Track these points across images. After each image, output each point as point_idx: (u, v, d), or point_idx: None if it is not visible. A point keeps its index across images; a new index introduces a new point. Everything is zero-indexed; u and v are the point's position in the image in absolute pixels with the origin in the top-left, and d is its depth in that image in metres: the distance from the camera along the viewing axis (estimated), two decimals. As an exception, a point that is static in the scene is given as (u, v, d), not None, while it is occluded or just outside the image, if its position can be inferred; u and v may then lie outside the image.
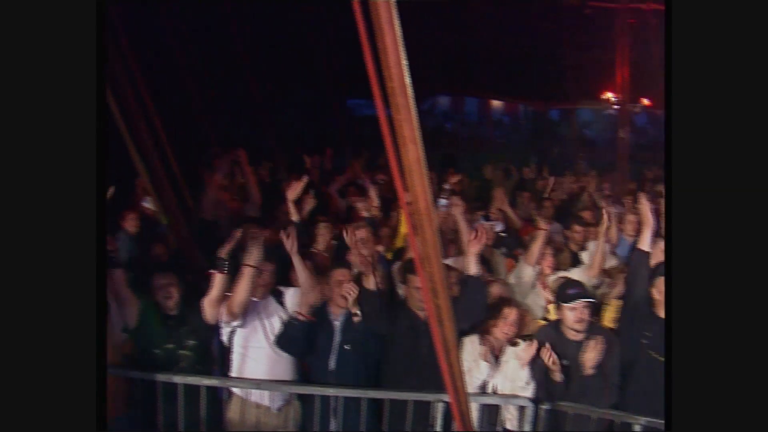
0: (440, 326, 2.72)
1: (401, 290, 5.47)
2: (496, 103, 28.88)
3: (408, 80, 2.57)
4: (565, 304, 4.72)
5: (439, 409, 4.62)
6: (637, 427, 4.53)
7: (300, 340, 4.85)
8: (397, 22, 2.52)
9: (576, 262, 6.11)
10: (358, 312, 4.92)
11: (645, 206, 4.92)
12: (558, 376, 4.58)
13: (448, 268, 5.30)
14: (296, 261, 5.03)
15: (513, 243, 7.22)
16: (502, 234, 7.26)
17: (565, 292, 4.76)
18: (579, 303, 4.66)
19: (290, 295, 5.08)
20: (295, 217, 6.46)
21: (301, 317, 4.78)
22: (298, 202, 6.69)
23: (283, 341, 4.88)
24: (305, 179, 6.77)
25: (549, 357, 4.54)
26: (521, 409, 4.73)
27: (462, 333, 4.87)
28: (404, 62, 2.51)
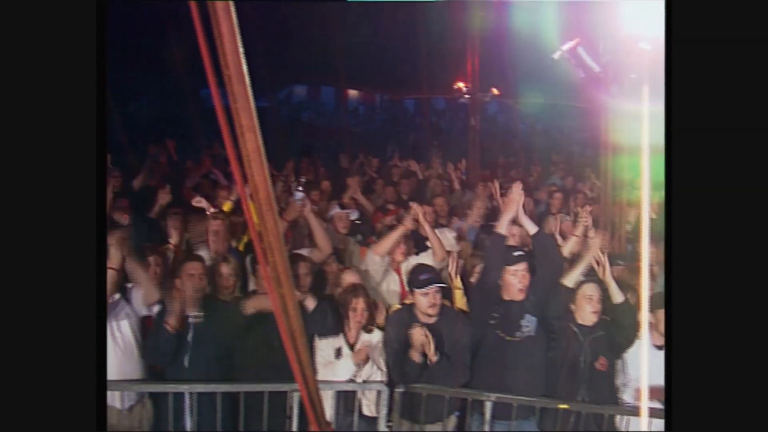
0: (285, 315, 2.71)
1: (253, 282, 5.43)
2: (352, 93, 29.09)
3: (245, 68, 2.52)
4: (418, 290, 4.81)
5: (296, 399, 4.62)
6: (488, 404, 4.74)
7: (169, 352, 4.70)
8: (233, 9, 2.47)
9: (425, 247, 6.24)
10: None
11: (514, 193, 5.06)
12: (417, 357, 4.66)
13: (302, 258, 5.30)
14: (129, 261, 4.86)
15: (367, 231, 7.30)
16: (357, 222, 7.33)
17: (417, 278, 4.85)
18: (431, 288, 4.77)
19: (134, 293, 4.91)
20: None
21: (170, 329, 4.60)
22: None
23: (153, 355, 4.75)
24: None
25: (421, 335, 4.61)
26: (377, 394, 4.81)
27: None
28: (241, 50, 2.46)
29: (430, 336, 4.62)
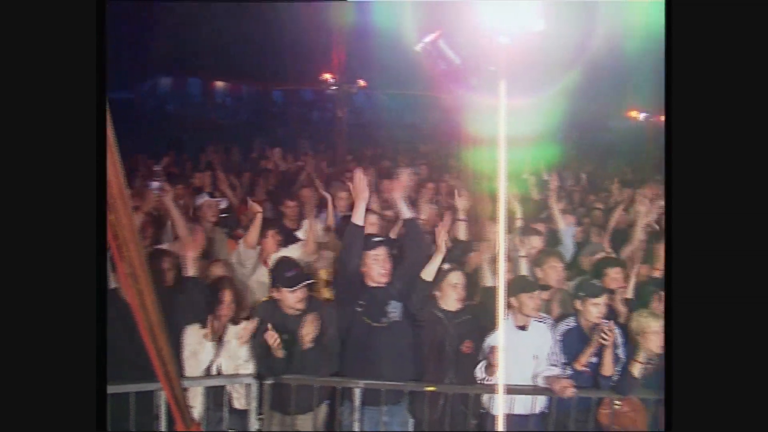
0: (143, 311, 2.65)
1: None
2: (219, 84, 28.53)
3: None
4: (285, 288, 4.78)
5: (162, 397, 4.51)
6: (357, 391, 4.80)
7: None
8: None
9: (293, 239, 6.23)
10: None
11: (359, 181, 5.08)
12: (280, 353, 4.67)
13: (165, 252, 5.16)
14: None
15: (234, 223, 7.21)
16: (223, 215, 7.22)
17: (283, 275, 4.81)
18: (298, 285, 4.76)
19: None
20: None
21: None
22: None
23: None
24: None
25: (273, 340, 4.61)
26: (247, 387, 4.78)
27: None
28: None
29: (277, 338, 4.63)
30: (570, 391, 4.71)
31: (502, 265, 4.94)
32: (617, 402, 4.88)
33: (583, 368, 4.82)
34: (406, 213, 5.17)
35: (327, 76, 17.49)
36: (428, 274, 4.94)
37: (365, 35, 17.09)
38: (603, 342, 4.67)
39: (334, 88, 17.15)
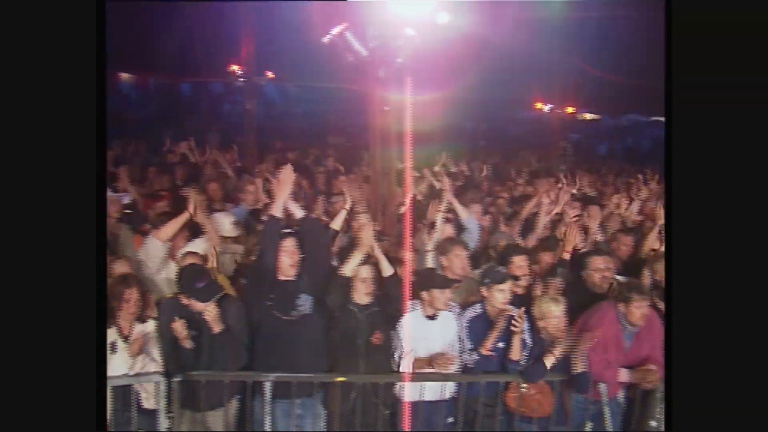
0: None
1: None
2: (124, 77, 27.70)
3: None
4: (196, 301, 4.68)
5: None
6: (267, 384, 4.79)
7: None
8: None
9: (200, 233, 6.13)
10: None
11: (285, 176, 5.05)
12: (188, 343, 4.61)
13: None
14: None
15: (139, 219, 7.05)
16: (127, 211, 7.05)
17: (194, 286, 4.68)
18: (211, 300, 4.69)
19: None
20: None
21: None
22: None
23: None
24: None
25: (181, 330, 4.55)
26: (155, 385, 4.70)
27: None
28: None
29: (213, 312, 4.59)
30: (452, 366, 4.86)
31: (408, 255, 5.04)
32: (524, 385, 5.03)
33: (489, 353, 4.95)
34: (298, 212, 5.20)
35: (235, 68, 17.26)
36: (349, 269, 4.97)
37: (274, 27, 16.96)
38: (514, 329, 4.82)
39: (242, 80, 16.94)
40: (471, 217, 6.72)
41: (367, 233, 5.03)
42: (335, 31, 7.97)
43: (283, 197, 4.98)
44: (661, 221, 6.73)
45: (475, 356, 4.99)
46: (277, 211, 4.94)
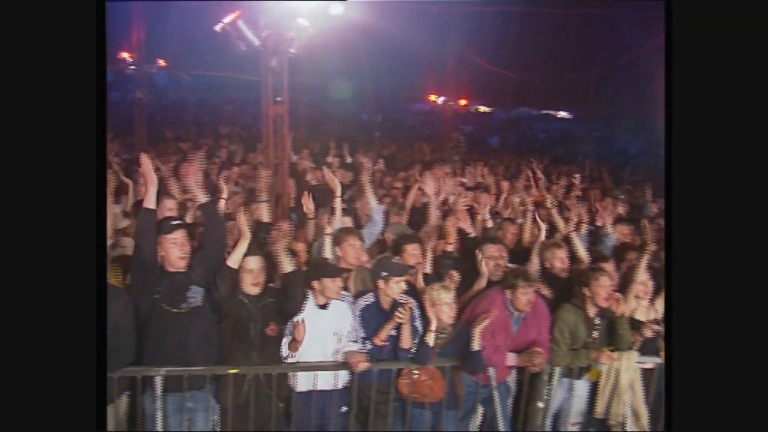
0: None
1: None
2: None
3: None
4: None
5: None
6: (157, 379, 4.69)
7: None
8: None
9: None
10: None
11: (145, 166, 4.92)
12: None
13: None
14: None
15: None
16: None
17: None
18: None
19: None
20: None
21: None
22: None
23: None
24: None
25: None
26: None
27: None
28: None
29: None
30: (363, 366, 4.91)
31: (302, 248, 5.04)
32: (416, 372, 5.13)
33: (383, 343, 5.03)
34: (201, 198, 5.10)
35: (125, 55, 16.72)
36: (234, 261, 4.91)
37: (165, 14, 16.52)
38: (399, 320, 4.91)
39: (133, 68, 16.43)
40: (378, 208, 6.78)
41: (241, 220, 4.99)
42: (227, 19, 7.88)
43: (153, 189, 4.85)
44: (532, 208, 7.05)
45: (368, 345, 5.06)
46: (148, 203, 4.80)
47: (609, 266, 5.76)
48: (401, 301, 5.04)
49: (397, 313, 4.90)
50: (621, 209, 9.05)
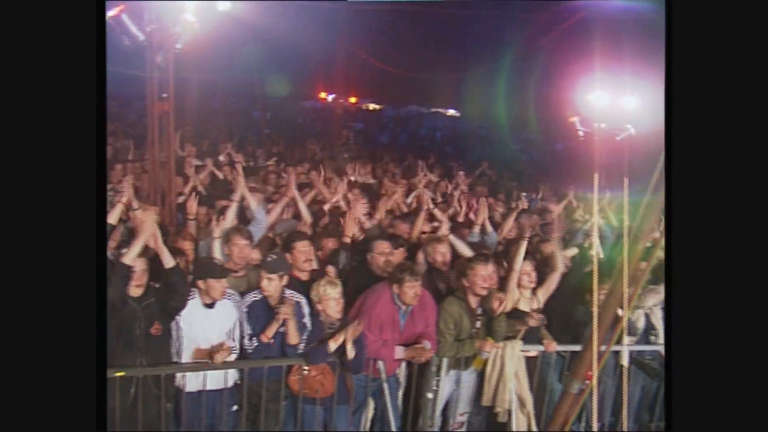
0: None
1: None
2: None
3: None
4: None
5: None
6: None
7: None
8: None
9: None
10: None
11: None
12: None
13: None
14: None
15: None
16: None
17: None
18: None
19: None
20: None
21: None
22: None
23: None
24: None
25: None
26: None
27: None
28: None
29: None
30: (222, 356, 4.89)
31: (189, 245, 4.97)
32: (306, 368, 5.16)
33: (269, 340, 5.03)
34: None
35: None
36: (128, 259, 4.79)
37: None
38: (282, 317, 4.94)
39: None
40: (260, 207, 6.75)
41: (147, 223, 4.89)
42: (111, 13, 7.64)
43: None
44: (429, 206, 7.25)
45: (255, 343, 5.05)
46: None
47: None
48: (284, 296, 5.07)
49: (277, 311, 4.93)
50: (502, 207, 9.39)
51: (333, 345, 5.04)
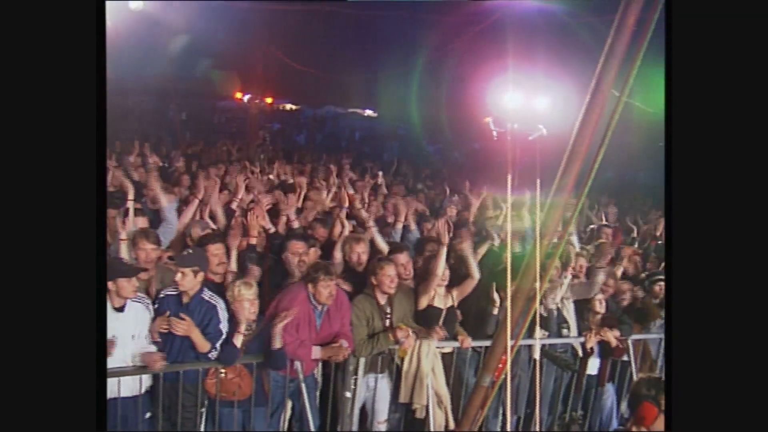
0: None
1: None
2: None
3: None
4: None
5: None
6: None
7: None
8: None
9: None
10: None
11: None
12: None
13: None
14: None
15: None
16: None
17: None
18: None
19: None
20: None
21: None
22: None
23: None
24: None
25: None
26: None
27: None
28: None
29: None
30: (159, 366, 4.86)
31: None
32: (222, 370, 5.11)
33: (156, 339, 5.02)
34: None
35: None
36: None
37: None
38: (165, 330, 4.95)
39: None
40: (171, 208, 6.64)
41: None
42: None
43: None
44: (346, 203, 7.30)
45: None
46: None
47: (403, 257, 6.07)
48: (204, 297, 5.03)
49: (160, 327, 4.96)
50: (421, 206, 9.51)
51: (238, 341, 5.03)
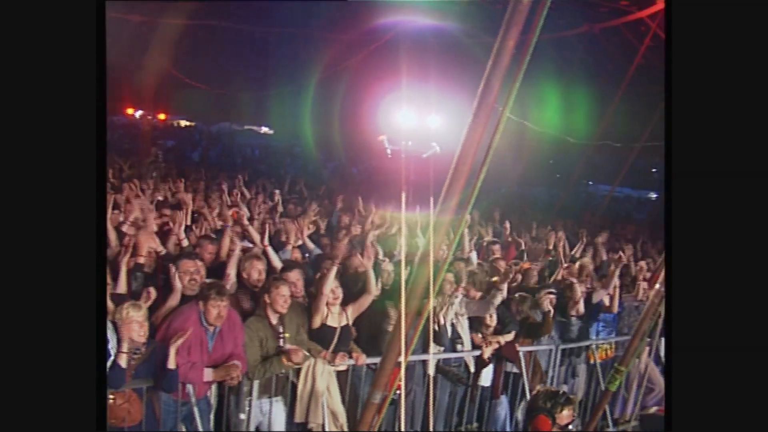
0: None
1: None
2: None
3: None
4: None
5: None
6: None
7: None
8: None
9: None
10: None
11: None
12: None
13: None
14: None
15: None
16: None
17: None
18: None
19: None
20: None
21: None
22: None
23: None
24: None
25: None
26: None
27: None
28: None
29: None
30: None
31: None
32: (110, 396, 4.93)
33: None
34: None
35: None
36: None
37: None
38: None
39: None
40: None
41: None
42: None
43: None
44: (230, 222, 7.26)
45: None
46: None
47: (293, 275, 6.07)
48: None
49: None
50: (312, 225, 9.52)
51: (123, 361, 4.90)
